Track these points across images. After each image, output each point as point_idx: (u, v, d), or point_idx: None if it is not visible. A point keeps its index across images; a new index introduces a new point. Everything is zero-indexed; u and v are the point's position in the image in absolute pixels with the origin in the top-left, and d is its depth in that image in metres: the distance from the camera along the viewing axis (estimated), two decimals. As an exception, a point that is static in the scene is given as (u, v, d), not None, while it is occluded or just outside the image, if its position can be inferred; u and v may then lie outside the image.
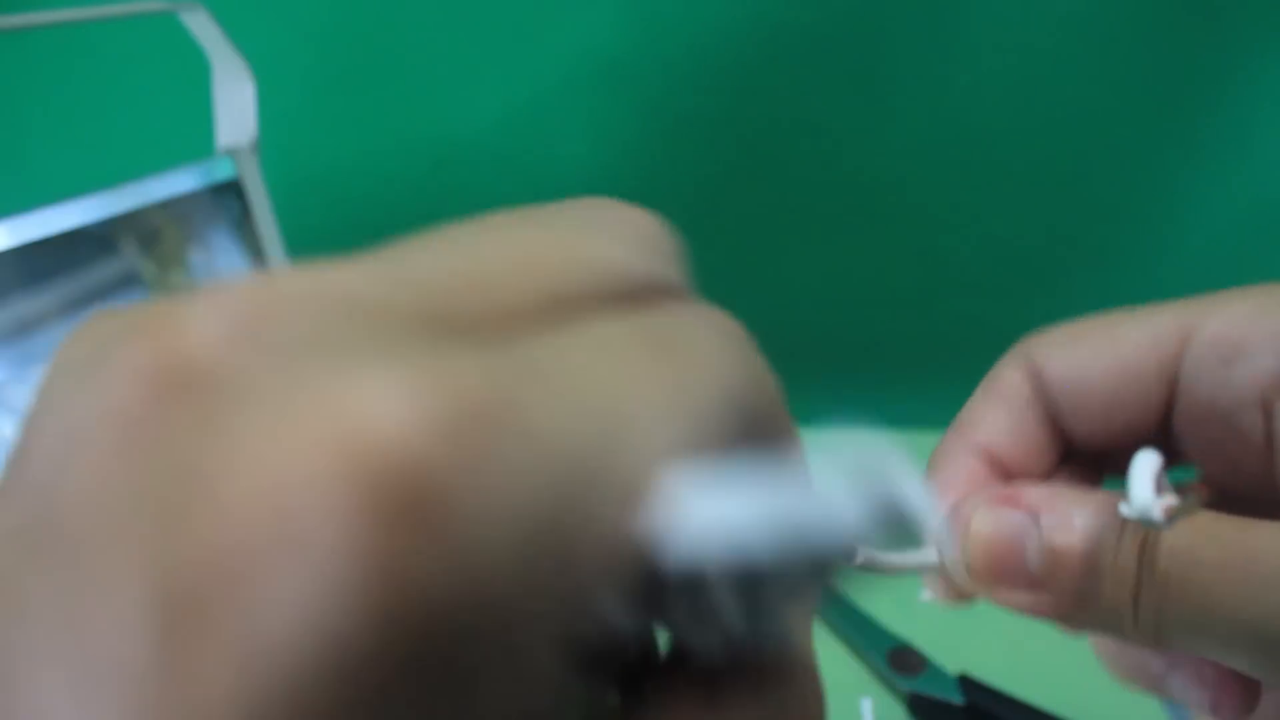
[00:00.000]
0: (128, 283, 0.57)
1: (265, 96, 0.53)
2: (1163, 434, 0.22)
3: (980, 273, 0.69)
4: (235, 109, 0.53)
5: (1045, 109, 0.63)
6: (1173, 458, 0.23)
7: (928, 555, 0.22)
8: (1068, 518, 0.20)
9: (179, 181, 0.52)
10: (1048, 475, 0.24)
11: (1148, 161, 0.64)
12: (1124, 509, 0.19)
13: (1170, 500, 0.19)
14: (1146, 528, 0.19)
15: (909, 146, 0.66)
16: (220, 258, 0.58)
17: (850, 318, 0.73)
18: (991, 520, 0.21)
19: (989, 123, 0.64)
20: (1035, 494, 0.21)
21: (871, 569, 0.22)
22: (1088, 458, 0.24)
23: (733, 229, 0.71)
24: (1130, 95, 0.63)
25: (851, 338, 0.74)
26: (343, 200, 0.72)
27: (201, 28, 0.50)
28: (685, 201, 0.71)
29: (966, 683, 0.49)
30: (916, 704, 0.49)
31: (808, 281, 0.72)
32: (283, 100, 0.62)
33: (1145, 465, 0.19)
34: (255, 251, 0.57)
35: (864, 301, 0.72)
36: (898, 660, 0.51)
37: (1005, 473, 0.23)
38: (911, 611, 0.55)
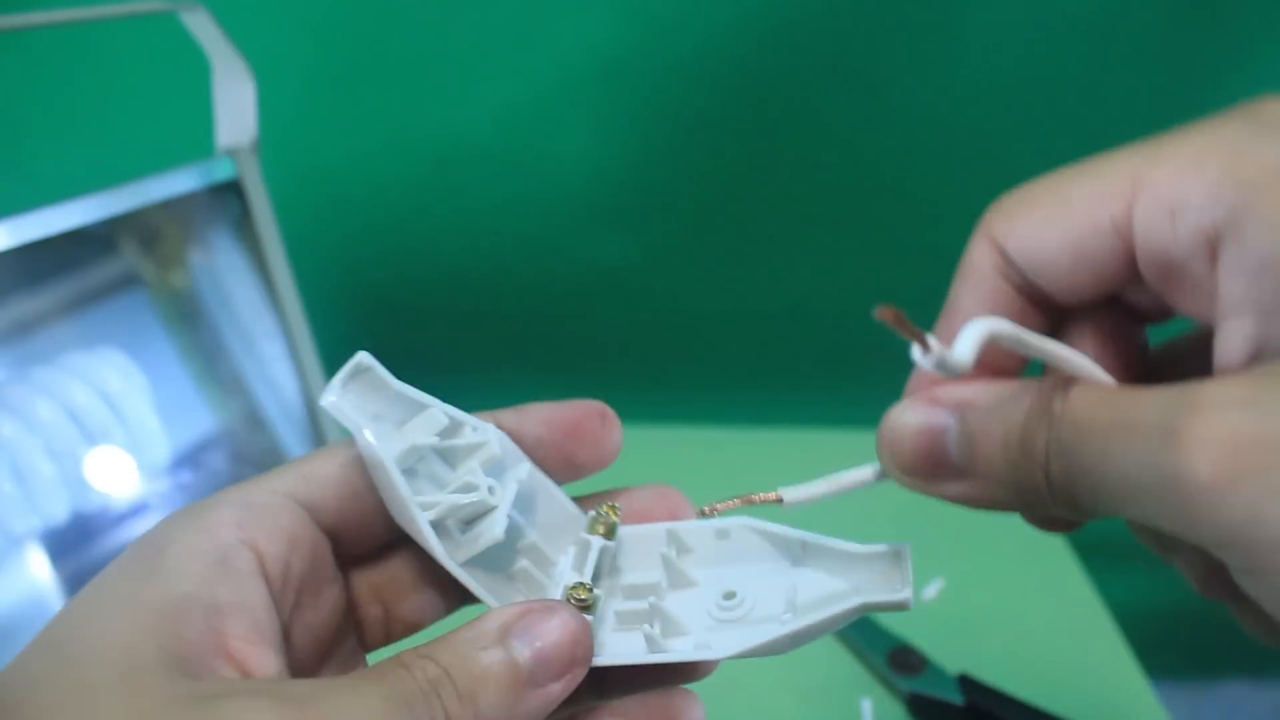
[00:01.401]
0: (128, 283, 0.57)
1: (265, 96, 0.53)
2: (1135, 282, 0.22)
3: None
4: (235, 109, 0.53)
5: (1045, 109, 0.63)
6: (1153, 306, 0.23)
7: (859, 473, 0.24)
8: (980, 408, 0.21)
9: (179, 181, 0.52)
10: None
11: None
12: (937, 349, 0.20)
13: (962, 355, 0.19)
14: (945, 374, 0.20)
15: (909, 146, 0.66)
16: (220, 258, 0.58)
17: (850, 318, 0.73)
18: (913, 417, 0.22)
19: (989, 123, 0.64)
20: (953, 390, 0.22)
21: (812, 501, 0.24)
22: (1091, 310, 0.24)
23: (733, 228, 0.71)
24: (1130, 95, 0.63)
25: (851, 338, 0.74)
26: (343, 200, 0.72)
27: (201, 28, 0.50)
28: (685, 201, 0.71)
29: (966, 683, 0.49)
30: (916, 704, 0.49)
31: (807, 281, 0.72)
32: (283, 100, 0.62)
33: (974, 328, 0.20)
34: (255, 251, 0.57)
35: (863, 301, 0.72)
36: (898, 660, 0.51)
37: (989, 352, 0.24)
38: (911, 611, 0.56)
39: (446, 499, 0.24)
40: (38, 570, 0.52)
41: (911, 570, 0.23)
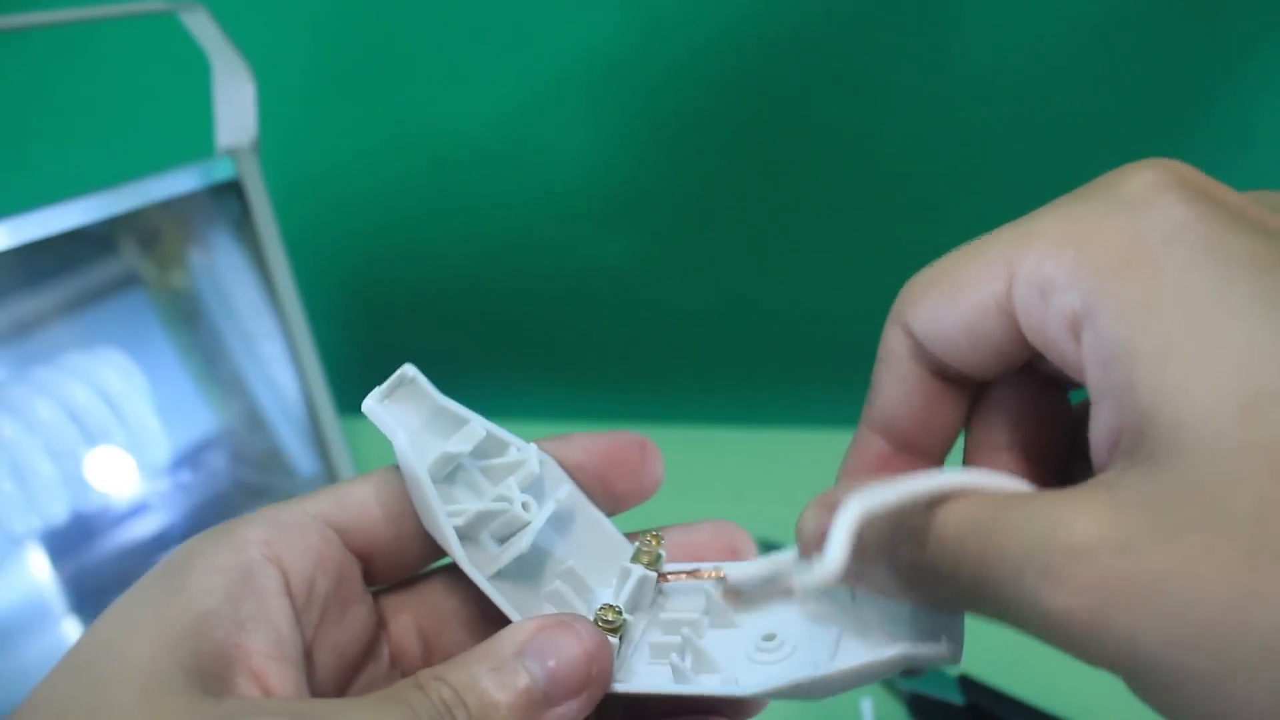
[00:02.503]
0: (128, 283, 0.57)
1: (265, 96, 0.53)
2: (1035, 355, 0.22)
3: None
4: (235, 109, 0.53)
5: (1045, 109, 0.63)
6: (1051, 377, 0.24)
7: (788, 555, 0.25)
8: (839, 560, 0.21)
9: (179, 181, 0.52)
10: (957, 421, 0.24)
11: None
12: (815, 567, 0.19)
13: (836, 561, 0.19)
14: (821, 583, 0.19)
15: (909, 146, 0.66)
16: (220, 258, 0.58)
17: (850, 318, 0.73)
18: (811, 522, 0.23)
19: (989, 123, 0.64)
20: (843, 494, 0.22)
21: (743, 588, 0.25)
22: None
23: (733, 228, 0.71)
24: (1130, 95, 0.63)
25: (851, 338, 0.74)
26: (343, 200, 0.72)
27: (201, 28, 0.50)
28: (685, 201, 0.71)
29: (966, 683, 0.49)
30: (916, 704, 0.49)
31: (807, 281, 0.72)
32: (283, 100, 0.62)
33: (845, 520, 0.19)
34: (255, 251, 0.57)
35: (864, 301, 0.72)
36: (898, 660, 0.51)
37: (905, 439, 0.24)
38: (911, 611, 0.56)
39: (474, 506, 0.24)
40: (38, 570, 0.52)
41: (964, 626, 0.22)
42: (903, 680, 0.50)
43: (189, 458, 0.59)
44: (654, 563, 0.26)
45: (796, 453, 0.72)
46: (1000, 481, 0.21)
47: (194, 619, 0.21)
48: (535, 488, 0.25)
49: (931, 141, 0.65)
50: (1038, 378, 0.24)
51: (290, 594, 0.22)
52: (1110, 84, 0.62)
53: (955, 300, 0.22)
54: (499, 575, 0.24)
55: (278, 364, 0.60)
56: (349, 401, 0.73)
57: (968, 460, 0.25)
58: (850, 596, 0.24)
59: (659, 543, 0.26)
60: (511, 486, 0.25)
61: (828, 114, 0.65)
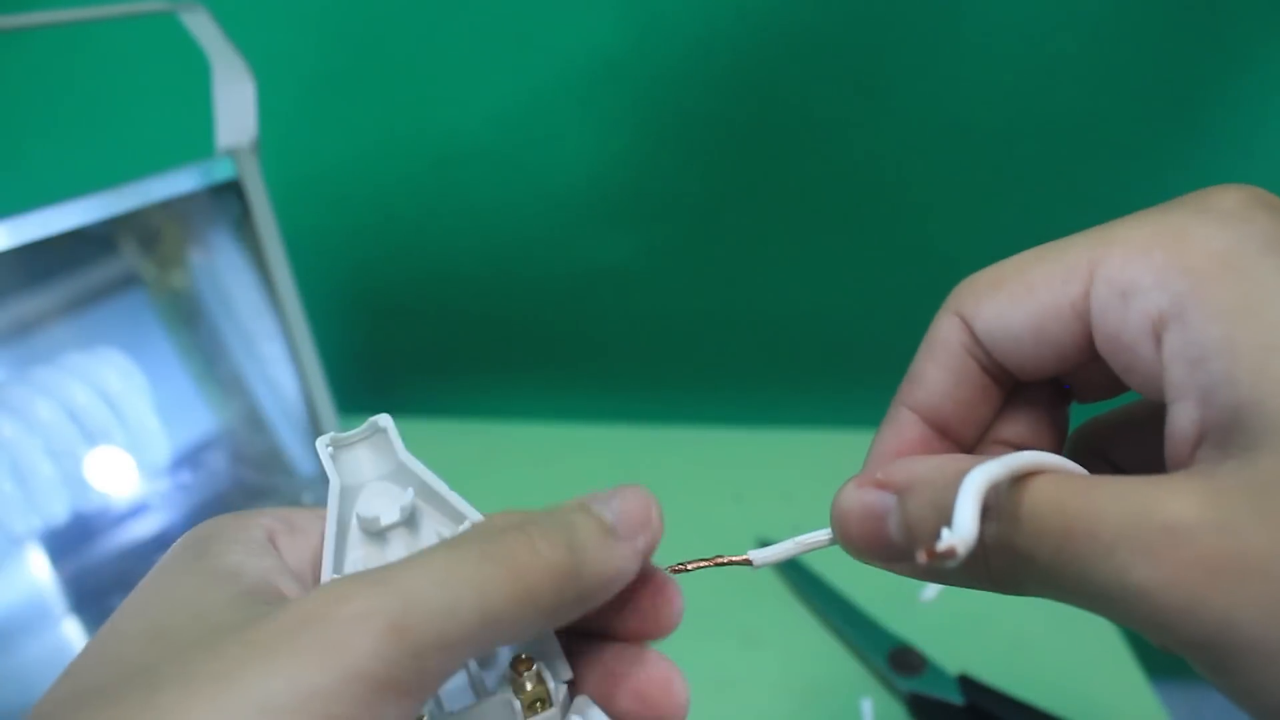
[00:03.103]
0: (128, 283, 0.57)
1: (265, 96, 0.53)
2: (1094, 361, 0.23)
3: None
4: (235, 109, 0.53)
5: (1045, 109, 0.63)
6: (1106, 382, 0.24)
7: (819, 535, 0.25)
8: (918, 493, 0.22)
9: (179, 181, 0.52)
10: (992, 415, 0.25)
11: (1148, 162, 0.64)
12: (945, 535, 0.19)
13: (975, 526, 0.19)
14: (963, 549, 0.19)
15: (909, 146, 0.66)
16: (220, 258, 0.58)
17: (850, 318, 0.73)
18: (856, 500, 0.23)
19: (989, 123, 0.64)
20: (897, 470, 0.23)
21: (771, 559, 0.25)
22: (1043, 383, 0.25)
23: (732, 228, 0.71)
24: (1131, 95, 0.63)
25: (851, 337, 0.74)
26: (343, 200, 0.72)
27: (201, 28, 0.50)
28: (685, 201, 0.71)
29: (966, 683, 0.49)
30: (916, 704, 0.49)
31: (807, 281, 0.72)
32: (283, 100, 0.62)
33: (970, 490, 0.20)
34: (255, 251, 0.57)
35: (864, 301, 0.72)
36: (898, 660, 0.51)
37: (944, 425, 0.25)
38: (911, 611, 0.55)
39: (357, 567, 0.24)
40: (38, 570, 0.52)
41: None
42: (902, 680, 0.50)
43: (189, 458, 0.59)
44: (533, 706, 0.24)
45: (796, 453, 0.72)
46: (1076, 468, 0.21)
47: (228, 569, 0.21)
48: None
49: (931, 142, 0.65)
50: (1056, 388, 0.25)
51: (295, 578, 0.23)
52: (1110, 84, 0.62)
53: (1026, 301, 0.22)
54: None
55: (278, 364, 0.60)
56: (349, 401, 0.73)
57: (978, 452, 0.25)
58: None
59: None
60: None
61: (827, 114, 0.65)
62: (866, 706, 0.50)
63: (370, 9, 0.64)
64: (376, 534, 0.25)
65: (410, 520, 0.25)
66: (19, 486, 0.50)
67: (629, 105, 0.66)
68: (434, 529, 0.25)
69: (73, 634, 0.53)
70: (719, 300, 0.74)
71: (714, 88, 0.64)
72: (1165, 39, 0.60)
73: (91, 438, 0.53)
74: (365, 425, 0.25)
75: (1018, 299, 0.23)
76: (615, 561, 0.21)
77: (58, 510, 0.52)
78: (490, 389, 0.80)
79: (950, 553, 0.19)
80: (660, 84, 0.65)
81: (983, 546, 0.21)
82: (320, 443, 0.25)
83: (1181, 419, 0.20)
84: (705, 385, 0.77)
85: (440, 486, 0.25)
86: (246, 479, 0.61)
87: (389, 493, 0.25)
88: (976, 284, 0.24)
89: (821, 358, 0.76)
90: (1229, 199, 0.20)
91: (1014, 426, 0.25)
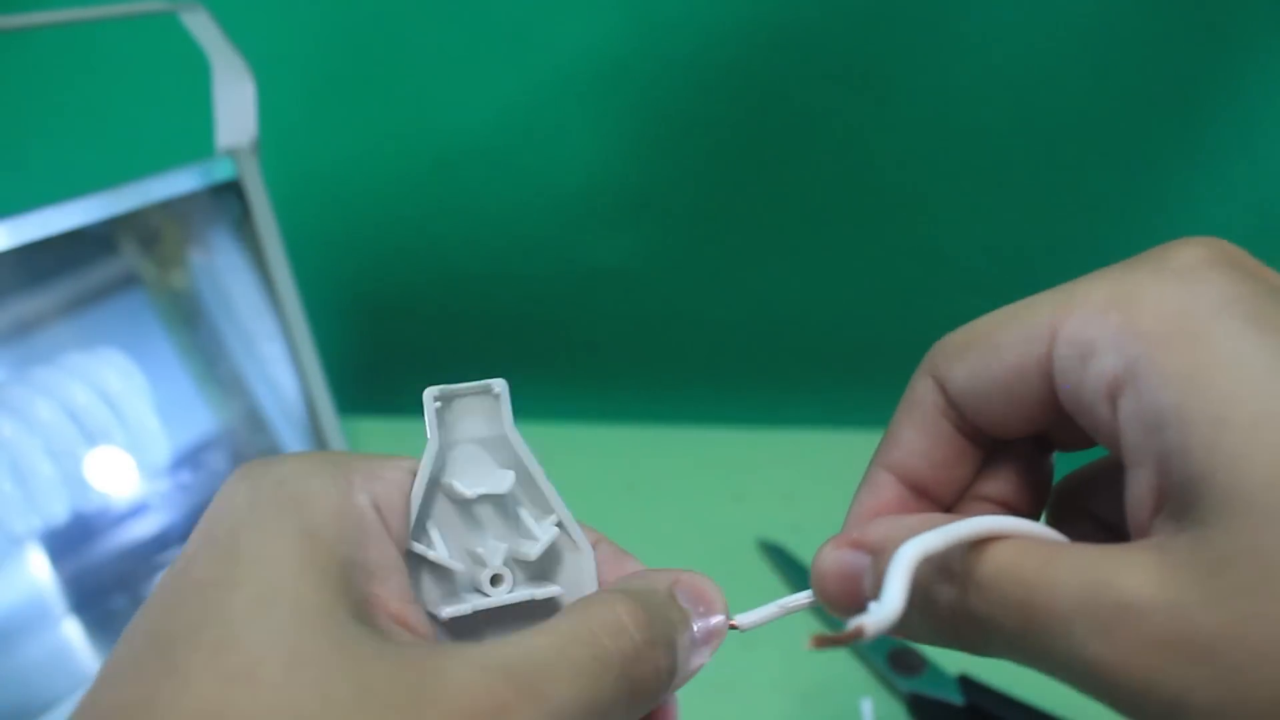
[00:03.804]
0: (128, 283, 0.57)
1: (265, 96, 0.53)
2: (1064, 418, 0.23)
3: (980, 273, 0.69)
4: (235, 109, 0.53)
5: (1045, 109, 0.63)
6: (1077, 438, 0.24)
7: (801, 597, 0.25)
8: (889, 553, 0.22)
9: (179, 181, 0.52)
10: (969, 475, 0.25)
11: (1148, 162, 0.64)
12: (869, 616, 0.19)
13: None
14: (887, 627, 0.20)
15: (909, 146, 0.66)
16: (220, 258, 0.58)
17: (850, 317, 0.73)
18: (832, 559, 0.23)
19: (989, 123, 0.64)
20: (873, 533, 0.23)
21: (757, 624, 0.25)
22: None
23: (733, 229, 0.71)
24: (1131, 96, 0.63)
25: (852, 338, 0.74)
26: (343, 200, 0.72)
27: (201, 28, 0.50)
28: (685, 201, 0.71)
29: (966, 683, 0.49)
30: (916, 704, 0.49)
31: (807, 281, 0.72)
32: (283, 100, 0.62)
33: (901, 564, 0.20)
34: (255, 251, 0.57)
35: (864, 301, 0.72)
36: (898, 660, 0.51)
37: (921, 486, 0.25)
38: (911, 611, 0.55)
39: (444, 558, 0.24)
40: (38, 570, 0.52)
41: None
42: (902, 680, 0.50)
43: (189, 458, 0.59)
44: None
45: (796, 453, 0.72)
46: (1037, 530, 0.21)
47: (340, 567, 0.20)
48: (532, 566, 0.25)
49: (932, 142, 0.65)
50: (1037, 441, 0.25)
51: (394, 540, 0.22)
52: (1111, 83, 0.62)
53: (995, 362, 0.22)
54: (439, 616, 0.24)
55: (278, 364, 0.60)
56: (349, 401, 0.73)
57: (958, 510, 0.25)
58: None
59: None
60: (499, 552, 0.25)
61: (828, 114, 0.65)
62: (866, 706, 0.50)
63: (370, 9, 0.64)
64: (462, 502, 0.25)
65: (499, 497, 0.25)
66: (19, 486, 0.50)
67: (629, 105, 0.65)
68: (526, 514, 0.25)
69: (73, 634, 0.53)
70: (719, 300, 0.74)
71: (714, 88, 0.64)
72: (1166, 39, 0.60)
73: (91, 438, 0.53)
74: (478, 384, 0.25)
75: (986, 360, 0.23)
76: (696, 667, 0.23)
77: (58, 510, 0.52)
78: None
79: (858, 633, 0.19)
80: (661, 84, 0.65)
81: (951, 612, 0.21)
82: (428, 395, 0.24)
83: (1139, 485, 0.19)
84: (705, 385, 0.77)
85: (536, 471, 0.25)
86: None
87: (481, 462, 0.25)
88: (948, 345, 0.24)
89: (821, 358, 0.76)
90: (1186, 256, 0.20)
91: (995, 484, 0.25)
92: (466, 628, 0.25)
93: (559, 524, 0.25)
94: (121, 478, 0.55)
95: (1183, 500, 0.18)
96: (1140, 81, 0.62)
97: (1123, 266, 0.21)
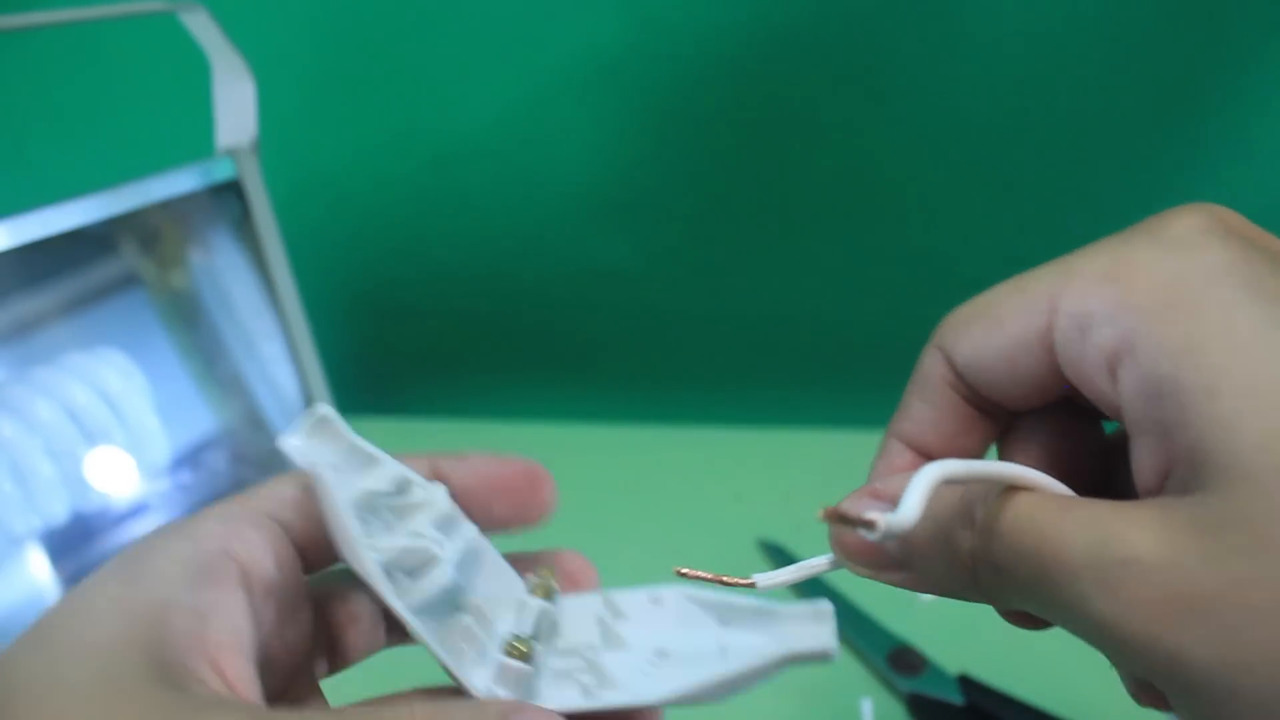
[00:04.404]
0: (128, 283, 0.57)
1: (265, 96, 0.53)
2: (1075, 390, 0.23)
3: (980, 273, 0.69)
4: (235, 109, 0.53)
5: (1046, 109, 0.63)
6: (1090, 412, 0.24)
7: (820, 560, 0.25)
8: (916, 510, 0.23)
9: (179, 181, 0.52)
10: (980, 446, 0.25)
11: (1148, 162, 0.64)
12: (886, 515, 0.20)
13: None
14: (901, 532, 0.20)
15: (909, 146, 0.66)
16: (220, 258, 0.58)
17: (850, 318, 0.73)
18: (853, 504, 0.24)
19: (989, 123, 0.64)
20: (894, 485, 0.23)
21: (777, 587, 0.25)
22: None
23: (732, 229, 0.71)
24: (1130, 96, 0.63)
25: (852, 338, 0.74)
26: (343, 200, 0.72)
27: (201, 28, 0.50)
28: (685, 201, 0.71)
29: (966, 683, 0.49)
30: (916, 704, 0.49)
31: (807, 281, 0.72)
32: (283, 100, 0.62)
33: (924, 478, 0.20)
34: (255, 251, 0.57)
35: (864, 301, 0.72)
36: (898, 660, 0.51)
37: (931, 454, 0.25)
38: (911, 611, 0.55)
39: (396, 543, 0.25)
40: (38, 570, 0.52)
41: (834, 625, 0.24)
42: (902, 680, 0.50)
43: (189, 458, 0.59)
44: (548, 595, 0.27)
45: (796, 453, 0.72)
46: (1056, 486, 0.21)
47: (154, 607, 0.21)
48: (443, 526, 0.26)
49: (932, 141, 0.65)
50: (1073, 408, 0.25)
51: (248, 588, 0.23)
52: (1111, 84, 0.62)
53: (997, 334, 0.23)
54: (415, 609, 0.25)
55: (278, 364, 0.60)
56: (349, 401, 0.73)
57: None
58: (729, 611, 0.26)
59: (552, 575, 0.27)
60: (424, 524, 0.26)
61: (828, 114, 0.65)
62: (866, 706, 0.50)
63: (370, 9, 0.64)
64: (372, 509, 0.26)
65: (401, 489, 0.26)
66: (19, 486, 0.50)
67: (629, 105, 0.66)
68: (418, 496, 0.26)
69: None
70: (719, 300, 0.74)
71: (714, 87, 0.64)
72: (1166, 39, 0.60)
73: (91, 438, 0.53)
74: (310, 418, 0.26)
75: (990, 333, 0.23)
76: None
77: (58, 510, 0.52)
78: (490, 389, 0.80)
79: (871, 523, 0.20)
80: (660, 84, 0.65)
81: (971, 558, 0.21)
82: (292, 440, 0.25)
83: (1143, 454, 0.20)
84: (705, 385, 0.77)
85: (393, 461, 0.26)
86: (246, 479, 0.61)
87: (359, 473, 0.26)
88: (955, 318, 0.24)
89: (821, 358, 0.76)
90: (1182, 225, 0.20)
91: (1029, 454, 0.25)
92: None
93: (421, 486, 0.26)
94: (121, 478, 0.55)
95: (1185, 468, 0.19)
96: (1140, 81, 0.62)
97: (1121, 237, 0.21)
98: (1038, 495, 0.21)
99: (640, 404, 0.78)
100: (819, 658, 0.24)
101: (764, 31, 0.62)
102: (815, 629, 0.24)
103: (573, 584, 0.29)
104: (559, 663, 0.26)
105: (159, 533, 0.23)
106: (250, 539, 0.23)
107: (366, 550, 0.24)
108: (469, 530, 0.27)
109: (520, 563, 0.28)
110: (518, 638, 0.25)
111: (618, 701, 0.25)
